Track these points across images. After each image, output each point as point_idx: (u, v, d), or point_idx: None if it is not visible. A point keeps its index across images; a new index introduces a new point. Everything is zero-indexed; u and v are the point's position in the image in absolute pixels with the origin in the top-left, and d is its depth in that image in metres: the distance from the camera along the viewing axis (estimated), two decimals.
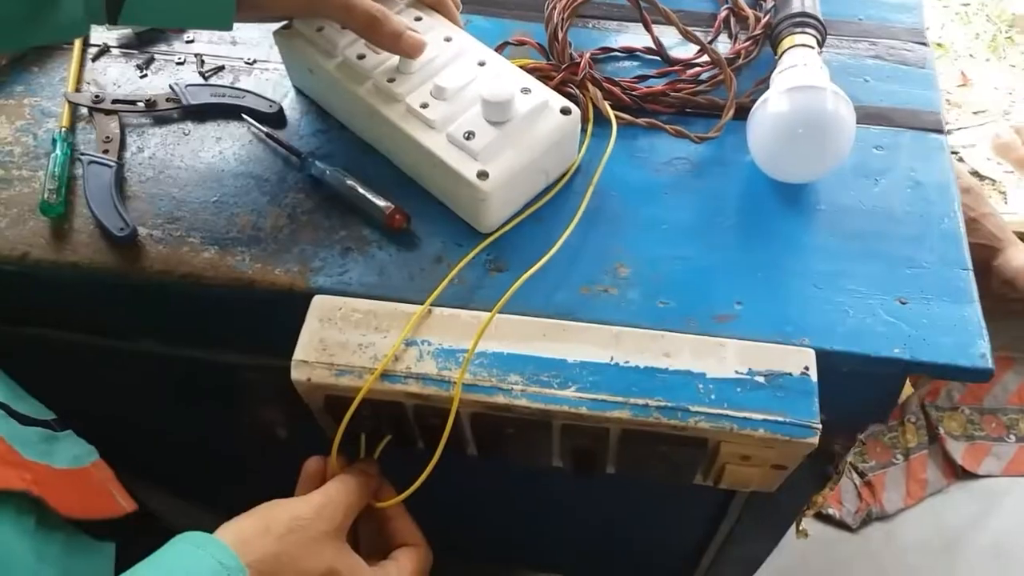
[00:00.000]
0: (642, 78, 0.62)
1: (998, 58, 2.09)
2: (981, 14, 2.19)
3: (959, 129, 1.89)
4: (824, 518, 1.31)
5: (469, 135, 0.52)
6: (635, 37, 0.66)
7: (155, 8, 0.48)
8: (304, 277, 0.53)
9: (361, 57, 0.56)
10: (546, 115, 0.54)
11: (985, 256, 1.00)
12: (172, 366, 0.63)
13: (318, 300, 0.51)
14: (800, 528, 0.87)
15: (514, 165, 0.52)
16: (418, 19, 0.58)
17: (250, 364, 0.60)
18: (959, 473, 1.31)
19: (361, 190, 0.55)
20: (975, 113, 1.95)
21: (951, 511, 1.31)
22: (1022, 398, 1.25)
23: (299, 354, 0.49)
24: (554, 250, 0.53)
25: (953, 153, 1.80)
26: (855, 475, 1.35)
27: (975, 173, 1.81)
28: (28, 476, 0.44)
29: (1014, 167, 1.30)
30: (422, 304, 0.51)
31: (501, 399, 0.48)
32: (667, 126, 0.59)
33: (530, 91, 0.54)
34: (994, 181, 1.80)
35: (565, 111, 0.54)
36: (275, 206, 0.56)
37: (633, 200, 0.56)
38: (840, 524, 1.30)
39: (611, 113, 0.59)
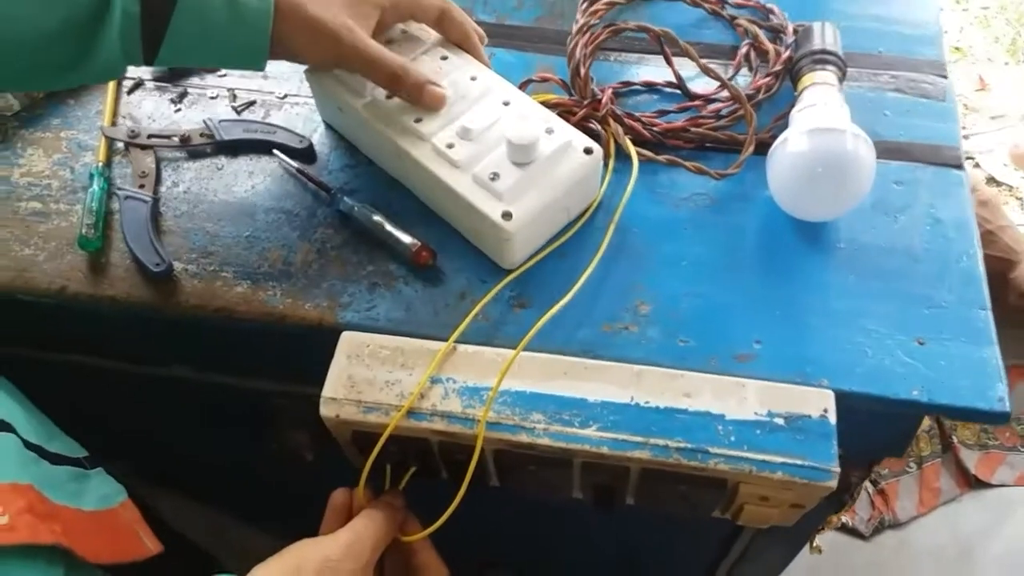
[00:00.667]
0: (662, 112, 0.62)
1: (1016, 62, 2.06)
2: (1000, 17, 2.15)
3: (976, 134, 1.87)
4: (838, 527, 1.30)
5: (494, 176, 0.52)
6: (656, 70, 0.66)
7: (191, 50, 0.49)
8: (333, 312, 0.53)
9: (389, 97, 0.56)
10: (569, 155, 0.54)
11: (1002, 269, 0.99)
12: (203, 391, 0.64)
13: (347, 337, 0.52)
14: (814, 545, 0.87)
15: (537, 205, 0.52)
16: (444, 58, 0.58)
17: (279, 391, 0.61)
18: (972, 482, 1.31)
19: (388, 227, 0.56)
20: (993, 118, 1.93)
21: (964, 520, 1.31)
22: None
23: (328, 391, 0.50)
24: (576, 287, 0.53)
25: (969, 159, 1.79)
26: (868, 483, 1.35)
27: (992, 179, 1.79)
28: (57, 527, 0.45)
29: None
30: (447, 340, 0.51)
31: (524, 438, 0.48)
32: (687, 163, 0.59)
33: (553, 131, 0.54)
34: (1011, 187, 1.78)
35: (587, 151, 0.55)
36: (305, 241, 0.57)
37: (653, 236, 0.57)
38: (853, 532, 1.29)
39: (632, 150, 0.59)
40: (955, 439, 1.34)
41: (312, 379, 0.51)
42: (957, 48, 2.05)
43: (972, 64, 2.02)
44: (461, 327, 0.52)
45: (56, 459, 0.50)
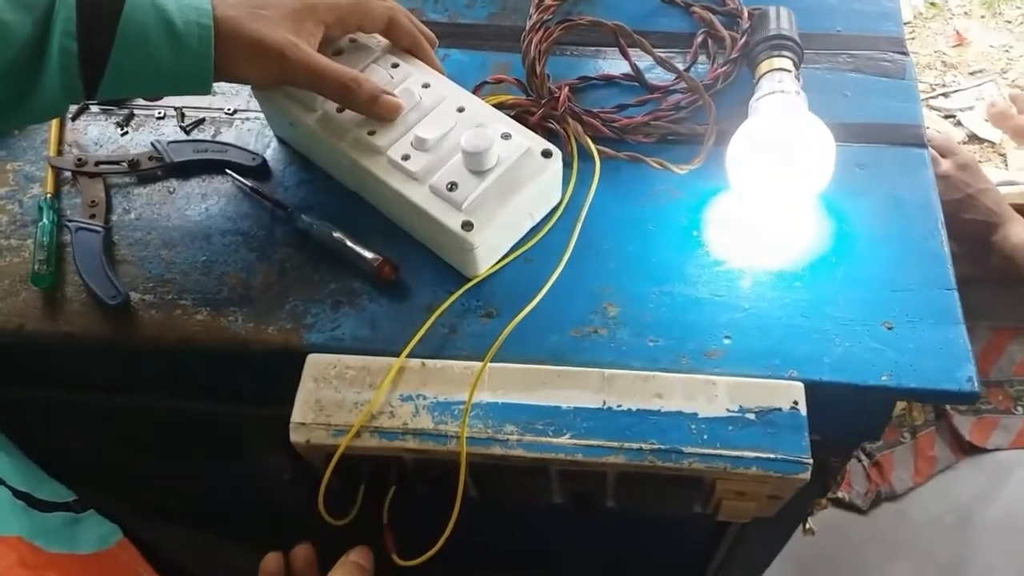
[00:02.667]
0: (622, 107, 0.64)
1: (993, 15, 2.09)
2: None
3: (956, 91, 1.90)
4: (834, 501, 1.33)
5: (452, 186, 0.54)
6: (614, 63, 0.67)
7: (133, 81, 0.50)
8: (297, 334, 0.55)
9: (341, 110, 0.57)
10: (528, 160, 0.55)
11: (984, 232, 1.01)
12: (174, 419, 0.65)
13: (312, 360, 0.53)
14: (807, 528, 0.90)
15: (498, 213, 0.54)
16: (395, 66, 0.59)
17: (250, 415, 0.62)
18: (967, 448, 1.33)
19: (349, 243, 0.57)
20: (972, 73, 1.95)
21: (961, 487, 1.34)
22: None
23: (297, 416, 0.51)
24: (542, 293, 0.55)
25: (949, 117, 1.81)
26: (863, 456, 1.37)
27: (973, 136, 1.82)
28: None
29: (1011, 136, 1.31)
30: (413, 356, 0.53)
31: (498, 450, 0.50)
32: (649, 159, 0.60)
33: (510, 136, 0.56)
34: (993, 143, 1.81)
35: (546, 154, 0.56)
36: (264, 262, 0.58)
37: (619, 235, 0.58)
38: (850, 507, 1.32)
39: (593, 148, 0.60)
40: (948, 406, 1.37)
41: (282, 400, 0.52)
42: (932, 3, 2.07)
43: (948, 20, 2.04)
44: (413, 342, 0.53)
45: (46, 506, 0.51)
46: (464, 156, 0.54)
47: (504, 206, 0.54)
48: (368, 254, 0.56)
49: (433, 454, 0.51)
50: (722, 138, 0.60)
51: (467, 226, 0.53)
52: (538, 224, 0.59)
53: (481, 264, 0.56)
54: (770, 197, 0.58)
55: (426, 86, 0.59)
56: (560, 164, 0.57)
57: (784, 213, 0.58)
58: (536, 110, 0.62)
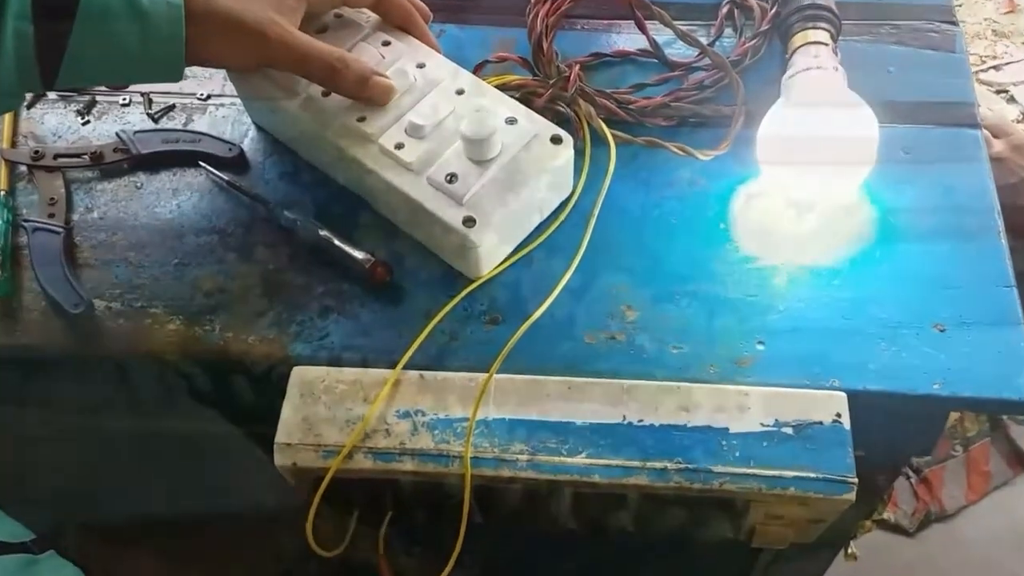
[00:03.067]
0: (639, 87, 0.64)
1: None
2: None
3: (1008, 63, 1.90)
4: (879, 523, 1.33)
5: (451, 177, 0.54)
6: (629, 38, 0.67)
7: (95, 69, 0.50)
8: (282, 344, 0.55)
9: (327, 94, 0.57)
10: (536, 147, 0.56)
11: None
12: (146, 438, 0.65)
13: (298, 373, 0.54)
14: (849, 552, 0.90)
15: (503, 207, 0.54)
16: (386, 44, 0.60)
17: (230, 434, 0.63)
18: None
19: (337, 242, 0.57)
20: None
21: (1019, 504, 1.34)
22: None
23: (282, 435, 0.52)
24: (553, 296, 0.55)
25: (1002, 92, 1.81)
26: (910, 472, 1.37)
27: None
28: None
29: None
30: (415, 368, 0.53)
31: (506, 472, 0.50)
32: (670, 144, 0.61)
33: (516, 120, 0.56)
34: None
35: (556, 140, 0.56)
36: (244, 264, 0.58)
37: (637, 230, 0.58)
38: (896, 528, 1.33)
39: (608, 133, 0.60)
40: (1005, 416, 1.37)
41: (266, 418, 0.52)
42: None
43: None
44: (410, 351, 0.53)
45: (2, 548, 0.51)
46: (464, 144, 0.54)
47: (509, 199, 0.54)
48: (359, 254, 0.56)
49: (434, 477, 0.51)
50: (751, 120, 0.60)
51: (469, 222, 0.53)
52: (547, 219, 0.59)
53: (484, 264, 0.56)
54: (806, 186, 0.58)
55: (421, 66, 0.59)
56: (571, 151, 0.57)
57: (821, 203, 0.59)
58: (544, 91, 0.62)
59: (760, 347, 0.53)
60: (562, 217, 0.59)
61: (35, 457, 0.68)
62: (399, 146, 0.55)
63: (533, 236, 0.58)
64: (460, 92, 0.58)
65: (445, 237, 0.55)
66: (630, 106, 0.63)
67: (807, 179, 0.57)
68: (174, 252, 0.59)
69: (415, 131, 0.56)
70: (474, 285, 0.56)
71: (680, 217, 0.59)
